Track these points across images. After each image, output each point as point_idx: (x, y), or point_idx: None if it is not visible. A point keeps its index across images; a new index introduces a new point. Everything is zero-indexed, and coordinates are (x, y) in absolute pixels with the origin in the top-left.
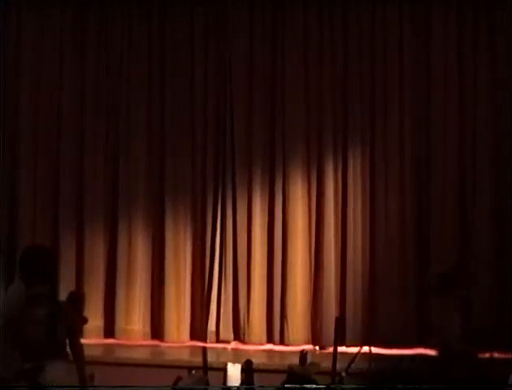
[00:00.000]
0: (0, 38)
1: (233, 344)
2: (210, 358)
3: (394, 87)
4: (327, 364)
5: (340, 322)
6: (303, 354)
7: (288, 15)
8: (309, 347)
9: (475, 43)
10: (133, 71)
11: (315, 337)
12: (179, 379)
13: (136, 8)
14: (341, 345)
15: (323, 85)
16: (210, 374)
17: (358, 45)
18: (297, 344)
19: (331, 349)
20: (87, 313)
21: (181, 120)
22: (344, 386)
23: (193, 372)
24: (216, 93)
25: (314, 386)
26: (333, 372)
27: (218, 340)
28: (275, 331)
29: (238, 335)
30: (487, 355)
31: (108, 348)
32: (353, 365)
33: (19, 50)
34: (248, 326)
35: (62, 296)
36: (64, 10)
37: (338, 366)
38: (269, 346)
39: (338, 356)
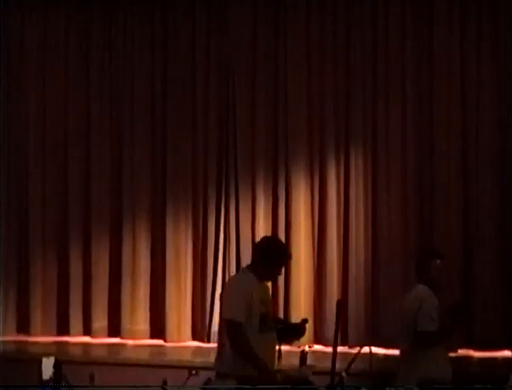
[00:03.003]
0: (3, 39)
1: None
2: (211, 358)
3: (397, 86)
4: (325, 364)
5: (341, 305)
6: (303, 354)
7: (291, 13)
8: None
9: (478, 41)
10: (136, 73)
11: (318, 337)
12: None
13: (138, 7)
14: (343, 345)
15: (326, 85)
16: (211, 374)
17: (361, 44)
18: (300, 344)
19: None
20: (94, 314)
21: (184, 120)
22: (344, 386)
23: (194, 372)
24: (219, 92)
25: (314, 386)
26: (333, 362)
27: None
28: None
29: None
30: None
31: (110, 348)
32: (353, 365)
33: (23, 51)
34: None
35: (72, 297)
36: (67, 11)
37: (338, 366)
38: None
39: (338, 356)
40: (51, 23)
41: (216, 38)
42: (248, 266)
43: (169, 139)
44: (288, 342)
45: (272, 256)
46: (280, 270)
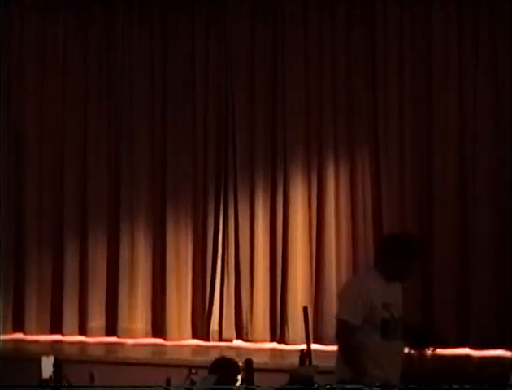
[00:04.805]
0: (3, 39)
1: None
2: (212, 357)
3: (395, 87)
4: (326, 364)
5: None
6: (303, 354)
7: (289, 13)
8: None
9: (476, 44)
10: (135, 73)
11: (317, 336)
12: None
13: (137, 7)
14: None
15: (325, 86)
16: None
17: (360, 45)
18: (299, 343)
19: None
20: (90, 312)
21: (183, 120)
22: (346, 386)
23: (193, 371)
24: (218, 94)
25: (314, 386)
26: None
27: (220, 339)
28: (278, 330)
29: (240, 334)
30: None
31: (109, 347)
32: None
33: (22, 52)
34: (250, 325)
35: (67, 295)
36: (66, 11)
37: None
38: (271, 345)
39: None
40: (50, 23)
41: (215, 38)
42: (374, 265)
43: (168, 139)
44: (419, 348)
45: (400, 254)
46: (411, 270)
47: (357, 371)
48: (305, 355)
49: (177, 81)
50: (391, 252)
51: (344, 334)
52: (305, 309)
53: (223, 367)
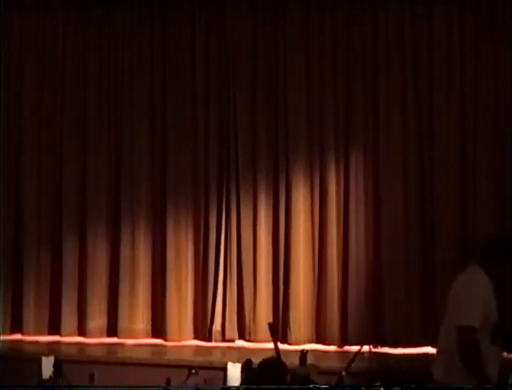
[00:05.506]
0: (2, 39)
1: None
2: (212, 357)
3: (397, 88)
4: (326, 364)
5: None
6: (303, 354)
7: (290, 13)
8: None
9: (476, 45)
10: (135, 73)
11: (319, 337)
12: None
13: (137, 8)
14: (344, 344)
15: (326, 86)
16: (211, 373)
17: (362, 45)
18: (301, 343)
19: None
20: (90, 312)
21: (184, 121)
22: (345, 386)
23: (193, 372)
24: (219, 94)
25: (315, 386)
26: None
27: (223, 339)
28: (280, 330)
29: (243, 335)
30: None
31: (109, 347)
32: (352, 364)
33: (22, 52)
34: (253, 325)
35: (67, 295)
36: (66, 11)
37: (338, 365)
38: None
39: (338, 355)
40: (50, 23)
41: (216, 38)
42: (482, 264)
43: (169, 139)
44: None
45: (506, 255)
46: None
47: (480, 378)
48: (305, 355)
49: (177, 81)
50: (504, 251)
51: (470, 341)
52: (270, 325)
53: (274, 368)
